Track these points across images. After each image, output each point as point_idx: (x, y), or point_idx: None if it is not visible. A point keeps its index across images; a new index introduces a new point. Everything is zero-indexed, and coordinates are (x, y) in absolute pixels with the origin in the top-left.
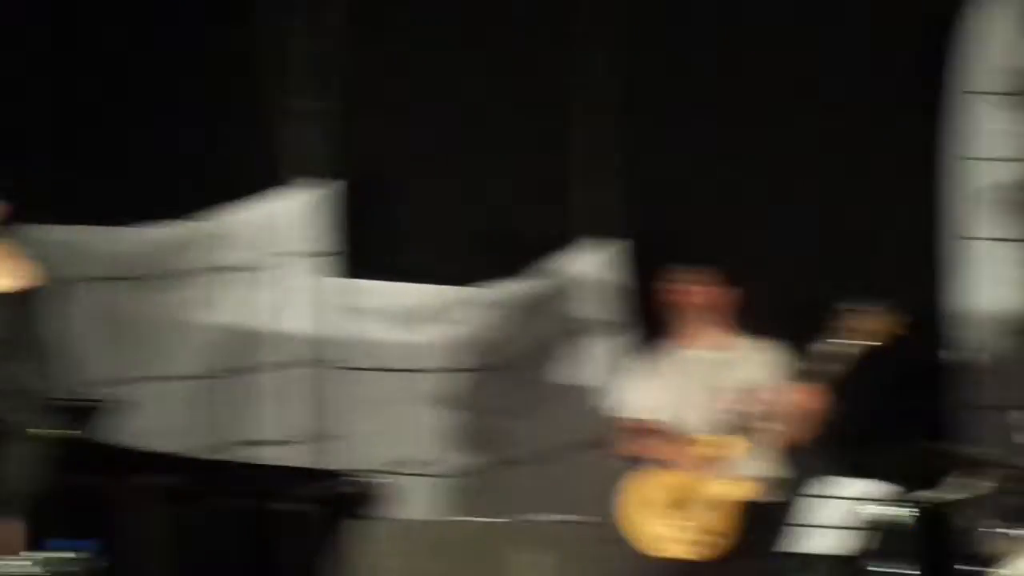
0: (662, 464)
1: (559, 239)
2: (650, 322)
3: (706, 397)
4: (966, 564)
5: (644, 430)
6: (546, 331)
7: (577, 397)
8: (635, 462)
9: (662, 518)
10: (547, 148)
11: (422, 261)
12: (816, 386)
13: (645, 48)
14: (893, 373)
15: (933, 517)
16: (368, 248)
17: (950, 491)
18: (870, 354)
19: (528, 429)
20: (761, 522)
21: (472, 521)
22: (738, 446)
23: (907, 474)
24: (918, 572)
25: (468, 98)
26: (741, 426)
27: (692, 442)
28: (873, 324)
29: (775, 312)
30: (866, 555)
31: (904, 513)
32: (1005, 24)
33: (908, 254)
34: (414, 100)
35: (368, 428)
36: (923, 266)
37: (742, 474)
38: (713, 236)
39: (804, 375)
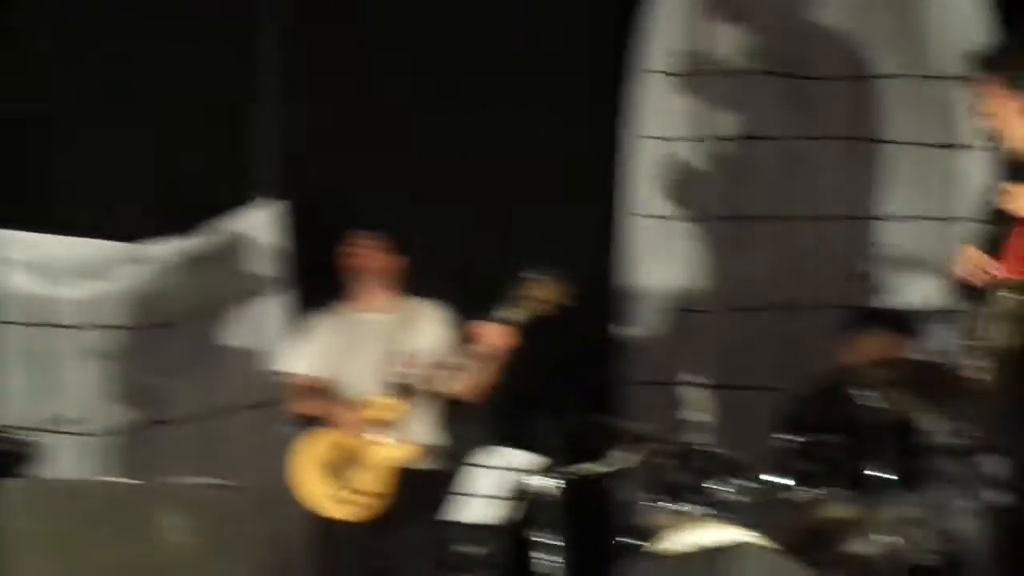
0: (328, 425)
1: (228, 198)
2: (320, 283)
3: (373, 360)
4: (622, 536)
5: (311, 391)
6: (213, 290)
7: (244, 357)
8: (302, 423)
9: (326, 479)
10: (217, 106)
11: (83, 215)
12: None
13: (319, 12)
14: (560, 345)
15: (586, 488)
16: (25, 199)
17: (606, 464)
18: (537, 324)
19: (191, 389)
20: (421, 487)
21: (118, 482)
22: (403, 410)
23: (567, 446)
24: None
25: (138, 53)
26: (406, 390)
27: (358, 404)
28: (541, 293)
29: (445, 278)
30: (523, 525)
31: (559, 484)
32: (683, 4)
33: (581, 227)
34: (83, 49)
35: (19, 384)
36: (595, 240)
37: (405, 438)
38: (385, 199)
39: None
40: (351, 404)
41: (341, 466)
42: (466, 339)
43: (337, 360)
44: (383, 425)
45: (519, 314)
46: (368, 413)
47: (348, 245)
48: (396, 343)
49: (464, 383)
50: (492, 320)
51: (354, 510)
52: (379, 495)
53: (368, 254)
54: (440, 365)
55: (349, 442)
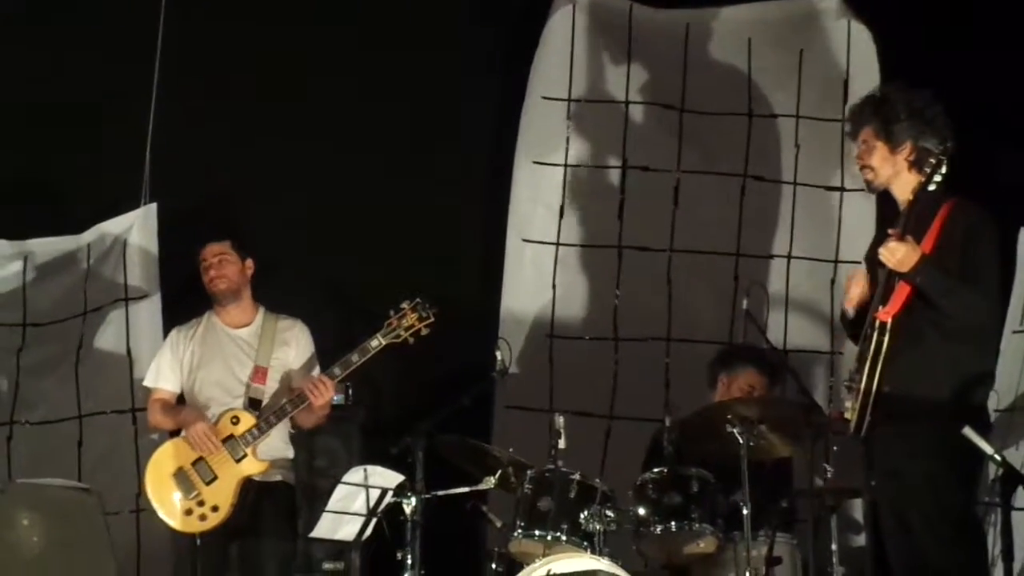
0: (183, 436)
1: (101, 200)
2: (184, 292)
3: (233, 373)
4: (482, 558)
5: (168, 405)
6: (83, 292)
7: (107, 362)
8: (159, 433)
9: (176, 490)
10: (93, 107)
11: None
12: (341, 373)
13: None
14: (434, 366)
15: (448, 509)
16: None
17: (470, 485)
18: (412, 346)
19: (50, 391)
20: (272, 500)
21: None
22: (257, 424)
23: (432, 466)
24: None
25: (16, 55)
26: (265, 404)
27: (214, 417)
28: (408, 321)
29: (314, 296)
30: (385, 542)
31: (418, 503)
32: (579, 33)
33: (463, 252)
34: None
35: None
36: (475, 263)
37: (261, 452)
38: (254, 212)
39: (338, 364)
40: (206, 416)
41: (192, 477)
42: (301, 382)
43: (197, 372)
44: (238, 438)
45: (380, 341)
46: (223, 426)
47: (213, 254)
48: (257, 358)
49: (308, 410)
50: (335, 366)
51: (202, 521)
52: (228, 507)
53: (232, 268)
54: (291, 390)
55: (201, 454)
